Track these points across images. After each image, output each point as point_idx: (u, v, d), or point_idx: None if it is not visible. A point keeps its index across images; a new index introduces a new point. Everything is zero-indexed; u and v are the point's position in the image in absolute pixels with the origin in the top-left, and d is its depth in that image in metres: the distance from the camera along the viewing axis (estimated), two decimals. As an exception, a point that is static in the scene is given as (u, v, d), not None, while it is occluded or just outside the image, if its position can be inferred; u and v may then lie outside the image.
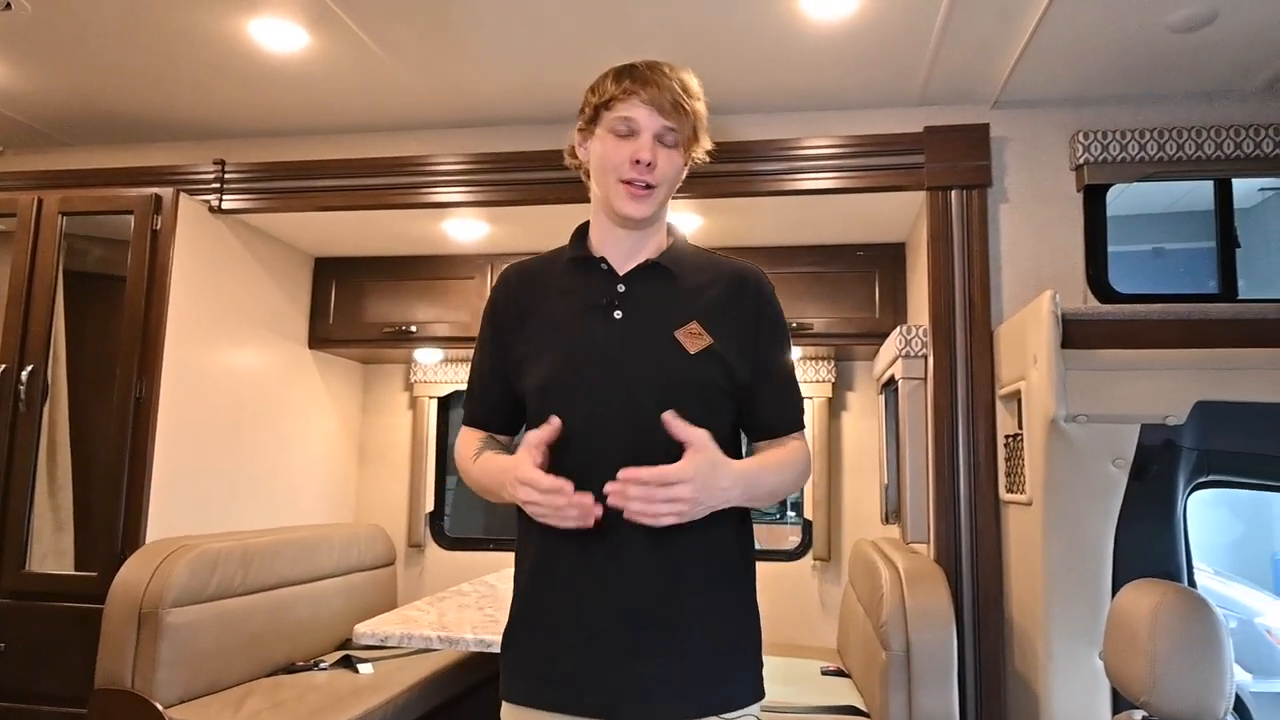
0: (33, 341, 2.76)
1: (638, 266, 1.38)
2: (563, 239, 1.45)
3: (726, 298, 1.37)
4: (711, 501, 1.20)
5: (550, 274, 1.43)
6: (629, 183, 1.31)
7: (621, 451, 1.25)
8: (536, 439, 1.25)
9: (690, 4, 2.29)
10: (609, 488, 1.17)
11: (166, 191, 2.80)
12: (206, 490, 2.93)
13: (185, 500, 2.83)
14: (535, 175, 2.85)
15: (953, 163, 2.63)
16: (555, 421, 1.26)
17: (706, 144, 1.39)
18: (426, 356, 3.74)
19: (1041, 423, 2.04)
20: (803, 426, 1.43)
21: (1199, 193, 3.00)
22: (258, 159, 3.08)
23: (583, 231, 1.44)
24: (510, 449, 1.44)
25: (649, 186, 1.31)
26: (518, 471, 1.21)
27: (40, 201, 2.82)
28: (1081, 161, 2.58)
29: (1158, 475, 2.05)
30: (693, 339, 1.32)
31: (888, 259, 3.17)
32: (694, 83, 1.35)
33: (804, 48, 2.49)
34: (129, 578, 2.48)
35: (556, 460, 1.30)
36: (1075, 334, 2.04)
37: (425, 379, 3.81)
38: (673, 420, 1.21)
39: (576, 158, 1.43)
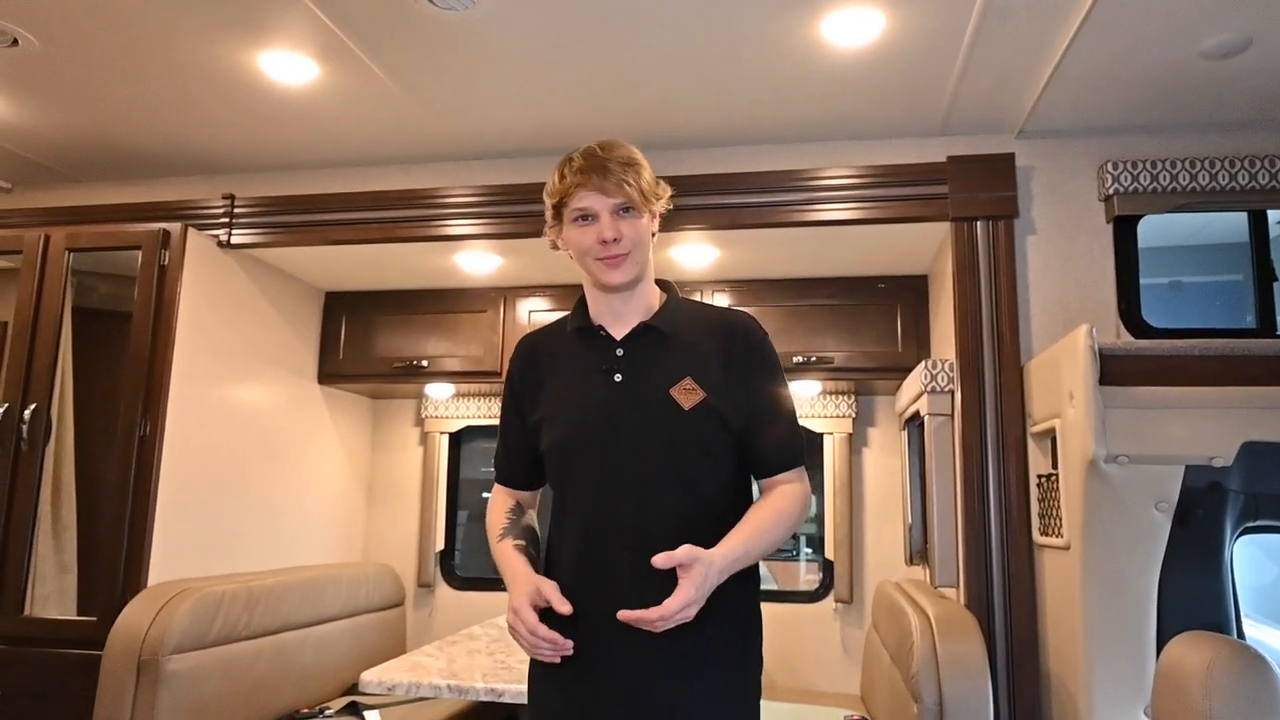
0: (37, 379, 2.70)
1: (633, 331, 1.51)
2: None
3: (716, 348, 1.49)
4: (708, 593, 1.31)
5: (559, 343, 1.58)
6: (603, 259, 1.45)
7: (632, 506, 1.43)
8: (546, 594, 1.38)
9: (707, 31, 2.25)
10: (622, 615, 1.29)
11: (175, 226, 2.76)
12: (211, 530, 2.85)
13: (189, 541, 2.75)
14: (549, 208, 2.79)
15: (977, 193, 2.56)
16: (565, 609, 1.38)
17: (663, 193, 1.51)
18: (438, 391, 3.67)
19: (1080, 463, 1.95)
20: (800, 463, 1.52)
21: (1219, 225, 2.91)
22: (267, 193, 3.04)
23: (582, 301, 1.58)
24: (532, 505, 1.67)
25: (621, 255, 1.44)
26: (516, 603, 1.38)
27: (47, 238, 2.78)
28: (1111, 192, 2.51)
29: (1203, 520, 1.95)
30: (686, 395, 1.44)
31: (910, 291, 3.09)
32: (632, 152, 1.47)
33: (825, 75, 2.44)
34: (129, 623, 2.40)
35: (571, 514, 1.48)
36: (1113, 370, 1.94)
37: (437, 414, 3.74)
38: (661, 559, 1.29)
39: (558, 248, 1.56)
